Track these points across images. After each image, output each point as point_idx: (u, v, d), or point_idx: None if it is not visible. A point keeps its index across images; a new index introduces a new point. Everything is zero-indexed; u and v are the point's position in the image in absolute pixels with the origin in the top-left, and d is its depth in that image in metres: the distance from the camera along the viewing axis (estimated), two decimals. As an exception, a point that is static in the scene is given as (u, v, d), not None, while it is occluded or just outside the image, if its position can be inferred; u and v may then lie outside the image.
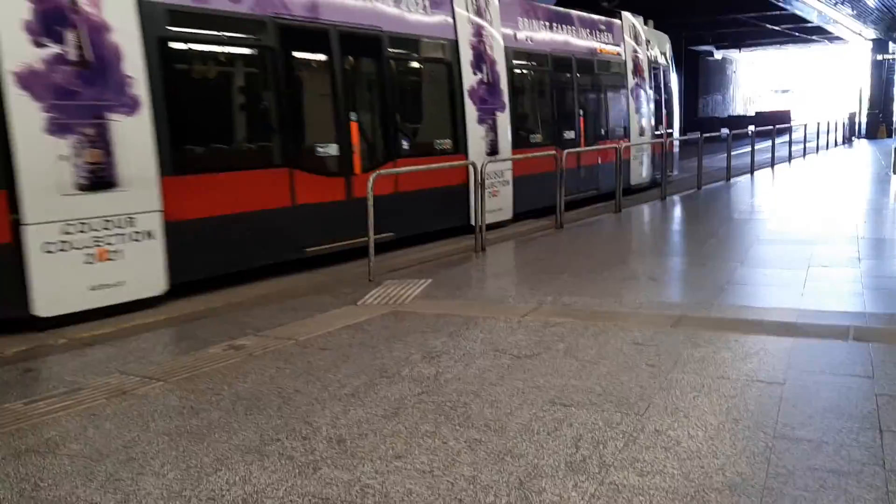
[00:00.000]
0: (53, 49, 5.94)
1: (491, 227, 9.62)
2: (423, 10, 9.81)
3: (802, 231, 9.70)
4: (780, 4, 23.50)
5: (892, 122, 34.74)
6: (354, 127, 8.75)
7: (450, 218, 10.31)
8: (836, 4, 25.46)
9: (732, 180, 16.98)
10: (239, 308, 6.34)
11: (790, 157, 22.10)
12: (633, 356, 4.71)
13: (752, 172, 18.40)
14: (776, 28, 29.63)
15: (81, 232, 6.11)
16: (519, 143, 11.60)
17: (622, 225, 11.21)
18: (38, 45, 5.86)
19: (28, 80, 5.80)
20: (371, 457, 3.38)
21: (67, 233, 6.02)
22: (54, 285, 5.97)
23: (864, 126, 35.55)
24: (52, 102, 5.93)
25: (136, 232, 6.49)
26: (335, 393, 4.19)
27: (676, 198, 13.93)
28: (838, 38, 36.53)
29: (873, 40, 35.33)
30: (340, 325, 5.62)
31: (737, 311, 5.77)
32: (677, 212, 12.74)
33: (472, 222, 9.44)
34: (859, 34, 34.08)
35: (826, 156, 24.90)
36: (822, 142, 26.84)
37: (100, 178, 6.24)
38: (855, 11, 27.53)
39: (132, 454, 3.49)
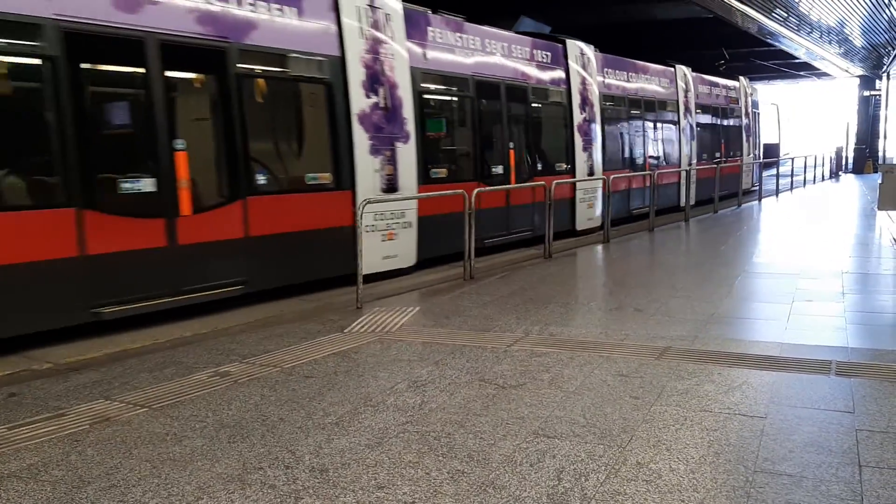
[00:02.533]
0: None
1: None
2: (666, 86, 17.16)
3: (788, 264, 9.78)
4: (769, 41, 23.84)
5: (878, 157, 35.16)
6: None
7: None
8: (823, 43, 25.87)
9: (720, 213, 17.14)
10: (225, 334, 6.34)
11: (777, 191, 22.31)
12: (617, 388, 4.73)
13: (738, 205, 18.58)
14: (765, 63, 30.03)
15: None
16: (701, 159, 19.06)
17: (619, 253, 11.29)
18: None
19: None
20: (353, 487, 3.38)
21: None
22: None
23: (850, 161, 36.00)
24: None
25: None
26: (319, 421, 4.19)
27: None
28: (826, 75, 37.04)
29: (860, 76, 35.87)
30: (326, 352, 5.63)
31: (721, 343, 5.81)
32: (684, 238, 12.83)
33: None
34: (846, 71, 34.61)
35: (813, 189, 25.14)
36: (810, 175, 27.11)
37: None
38: (842, 49, 27.97)
39: (114, 481, 3.48)
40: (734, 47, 25.87)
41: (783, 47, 25.71)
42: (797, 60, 30.25)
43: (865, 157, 35.43)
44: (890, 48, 25.52)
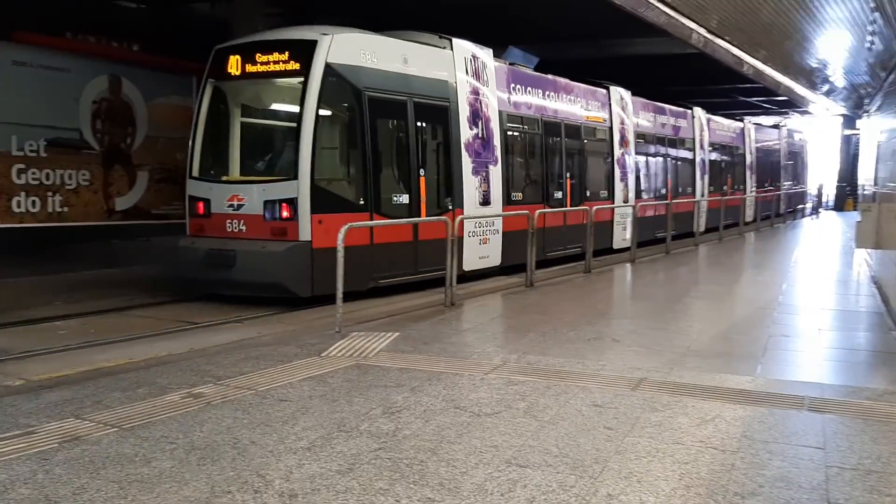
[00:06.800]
0: None
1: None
2: (598, 110, 15.91)
3: (765, 300, 9.86)
4: (752, 77, 24.18)
5: (857, 195, 35.69)
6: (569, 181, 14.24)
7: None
8: (806, 81, 26.27)
9: (700, 247, 17.29)
10: (202, 355, 6.29)
11: (758, 228, 22.59)
12: (591, 418, 4.74)
13: (720, 240, 18.75)
14: (748, 100, 30.49)
15: None
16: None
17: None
18: None
19: None
20: (322, 512, 3.36)
21: None
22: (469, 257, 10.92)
23: (831, 198, 36.60)
24: None
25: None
26: (291, 446, 4.16)
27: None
28: (808, 113, 37.62)
29: (842, 115, 36.44)
30: (302, 376, 5.60)
31: (696, 376, 5.83)
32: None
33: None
34: (828, 110, 35.14)
35: (794, 227, 25.44)
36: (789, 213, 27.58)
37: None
38: (826, 88, 28.41)
39: (80, 502, 3.43)
40: (718, 83, 26.22)
41: (767, 84, 26.10)
42: (781, 98, 30.70)
43: (846, 195, 35.91)
44: (870, 89, 25.98)
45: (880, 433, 4.55)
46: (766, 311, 8.94)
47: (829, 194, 37.32)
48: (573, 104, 14.76)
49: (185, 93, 14.74)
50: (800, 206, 31.61)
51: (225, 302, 9.36)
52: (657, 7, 13.53)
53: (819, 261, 15.26)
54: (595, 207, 13.15)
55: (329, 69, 9.29)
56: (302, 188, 9.06)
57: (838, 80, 25.61)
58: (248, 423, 4.52)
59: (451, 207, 10.81)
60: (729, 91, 28.28)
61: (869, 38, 14.51)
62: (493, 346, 6.80)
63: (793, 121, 36.76)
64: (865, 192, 17.49)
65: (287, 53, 9.52)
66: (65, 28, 13.47)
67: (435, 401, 5.05)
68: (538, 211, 11.86)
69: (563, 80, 14.46)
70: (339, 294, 7.30)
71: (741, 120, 26.34)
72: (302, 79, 9.30)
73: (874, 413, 4.95)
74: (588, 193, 15.11)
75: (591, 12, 14.80)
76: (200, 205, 9.79)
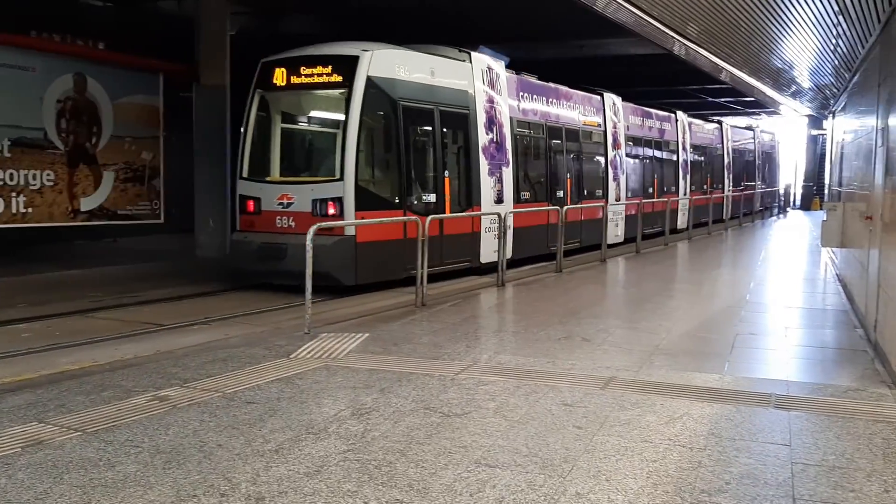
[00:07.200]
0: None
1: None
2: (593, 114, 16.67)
3: (734, 298, 9.97)
4: (721, 78, 24.46)
5: (823, 195, 36.31)
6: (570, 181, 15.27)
7: None
8: (773, 82, 26.61)
9: (671, 244, 17.45)
10: (168, 357, 6.21)
11: (727, 227, 22.85)
12: (561, 417, 4.75)
13: (689, 240, 18.95)
14: (716, 101, 30.83)
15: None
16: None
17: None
18: None
19: None
20: (289, 515, 3.32)
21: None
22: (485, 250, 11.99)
23: (798, 198, 37.21)
24: None
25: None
26: (258, 448, 4.12)
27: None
28: (776, 113, 38.16)
29: (809, 116, 37.01)
30: (270, 378, 5.55)
31: (664, 374, 5.88)
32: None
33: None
34: (796, 111, 35.68)
35: (762, 226, 25.78)
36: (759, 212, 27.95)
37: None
38: (793, 89, 28.82)
39: (41, 508, 3.37)
40: (686, 84, 26.47)
41: (735, 85, 26.40)
42: (747, 98, 31.10)
43: (813, 195, 36.50)
44: (835, 90, 26.38)
45: (844, 429, 4.62)
46: (734, 309, 9.04)
47: (797, 194, 37.92)
48: (572, 110, 15.67)
49: (152, 91, 14.55)
50: (771, 205, 32.84)
51: (192, 304, 9.27)
52: (630, 10, 13.59)
53: (786, 259, 15.47)
54: (566, 208, 13.23)
55: (370, 82, 10.25)
56: (347, 188, 10.01)
57: (804, 81, 25.98)
58: (215, 426, 4.46)
59: (470, 205, 11.89)
60: (698, 92, 28.56)
61: (833, 39, 14.74)
62: (464, 347, 6.79)
63: (762, 121, 37.35)
64: (832, 192, 17.80)
65: (331, 67, 10.44)
66: (29, 26, 13.24)
67: (405, 402, 5.02)
68: (511, 210, 12.47)
69: (563, 88, 15.31)
70: (308, 292, 7.25)
71: (719, 122, 26.94)
72: (345, 90, 10.30)
73: (838, 410, 5.02)
74: (585, 192, 16.06)
75: (562, 13, 14.89)
76: (251, 203, 10.67)
